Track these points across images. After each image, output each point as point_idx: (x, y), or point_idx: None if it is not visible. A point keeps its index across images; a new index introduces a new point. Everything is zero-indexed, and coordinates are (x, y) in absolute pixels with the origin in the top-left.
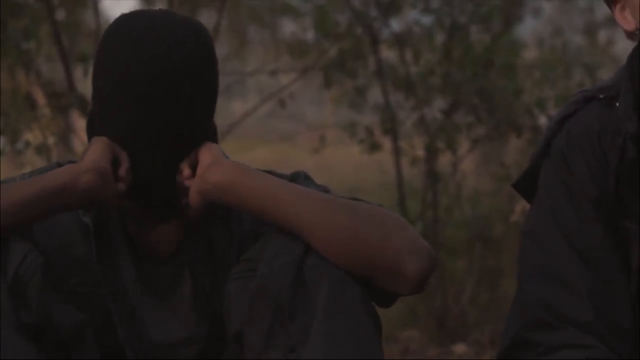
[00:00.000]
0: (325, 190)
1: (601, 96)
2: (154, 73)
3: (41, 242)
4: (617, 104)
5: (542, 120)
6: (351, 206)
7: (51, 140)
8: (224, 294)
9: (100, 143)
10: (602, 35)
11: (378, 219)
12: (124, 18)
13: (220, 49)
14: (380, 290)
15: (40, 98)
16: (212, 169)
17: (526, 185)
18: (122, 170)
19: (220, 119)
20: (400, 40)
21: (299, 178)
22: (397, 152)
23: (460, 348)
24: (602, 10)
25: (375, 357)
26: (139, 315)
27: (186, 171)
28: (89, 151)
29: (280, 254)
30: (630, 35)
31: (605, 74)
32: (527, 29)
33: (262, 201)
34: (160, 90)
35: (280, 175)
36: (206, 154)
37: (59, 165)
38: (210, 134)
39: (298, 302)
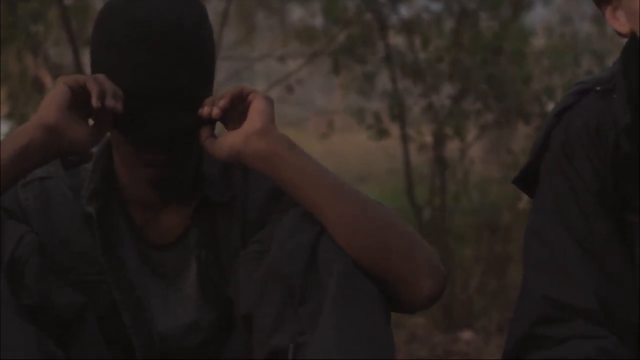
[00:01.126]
0: None
1: (598, 88)
2: (148, 52)
3: (42, 235)
4: (615, 96)
5: (551, 108)
6: (384, 214)
7: None
8: (233, 276)
9: (51, 94)
10: None
11: (406, 233)
12: None
13: (229, 36)
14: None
15: (48, 82)
16: (259, 137)
17: (527, 180)
18: (94, 101)
19: None
20: (409, 27)
21: None
22: (405, 138)
23: (466, 335)
24: None
25: (386, 344)
26: (146, 304)
27: (224, 102)
28: (43, 102)
29: (293, 237)
30: (622, 35)
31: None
32: (537, 16)
33: (298, 182)
34: (155, 74)
35: None
36: (257, 116)
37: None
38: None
39: (309, 286)
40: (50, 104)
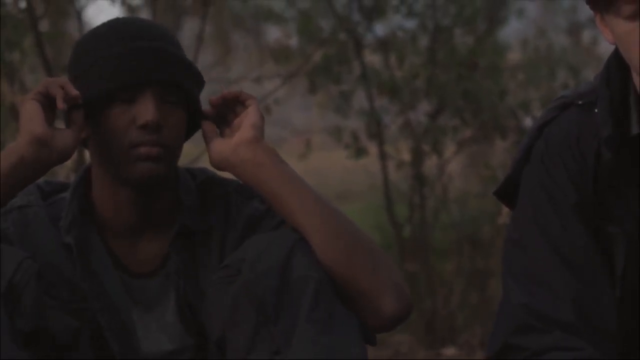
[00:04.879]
0: None
1: (580, 102)
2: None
3: None
4: (596, 110)
5: (527, 122)
6: (358, 230)
7: None
8: (205, 302)
9: (26, 106)
10: (586, 35)
11: (376, 250)
12: (93, 30)
13: (205, 57)
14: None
15: None
16: (248, 146)
17: (508, 192)
18: (59, 104)
19: None
20: (384, 45)
21: None
22: (383, 156)
23: (450, 351)
24: (586, 11)
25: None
26: (131, 329)
27: (217, 99)
28: (21, 120)
29: (264, 258)
30: (610, 42)
31: (590, 75)
32: (511, 30)
33: (281, 192)
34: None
35: None
36: (249, 128)
37: (38, 187)
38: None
39: (283, 305)
40: (32, 120)
